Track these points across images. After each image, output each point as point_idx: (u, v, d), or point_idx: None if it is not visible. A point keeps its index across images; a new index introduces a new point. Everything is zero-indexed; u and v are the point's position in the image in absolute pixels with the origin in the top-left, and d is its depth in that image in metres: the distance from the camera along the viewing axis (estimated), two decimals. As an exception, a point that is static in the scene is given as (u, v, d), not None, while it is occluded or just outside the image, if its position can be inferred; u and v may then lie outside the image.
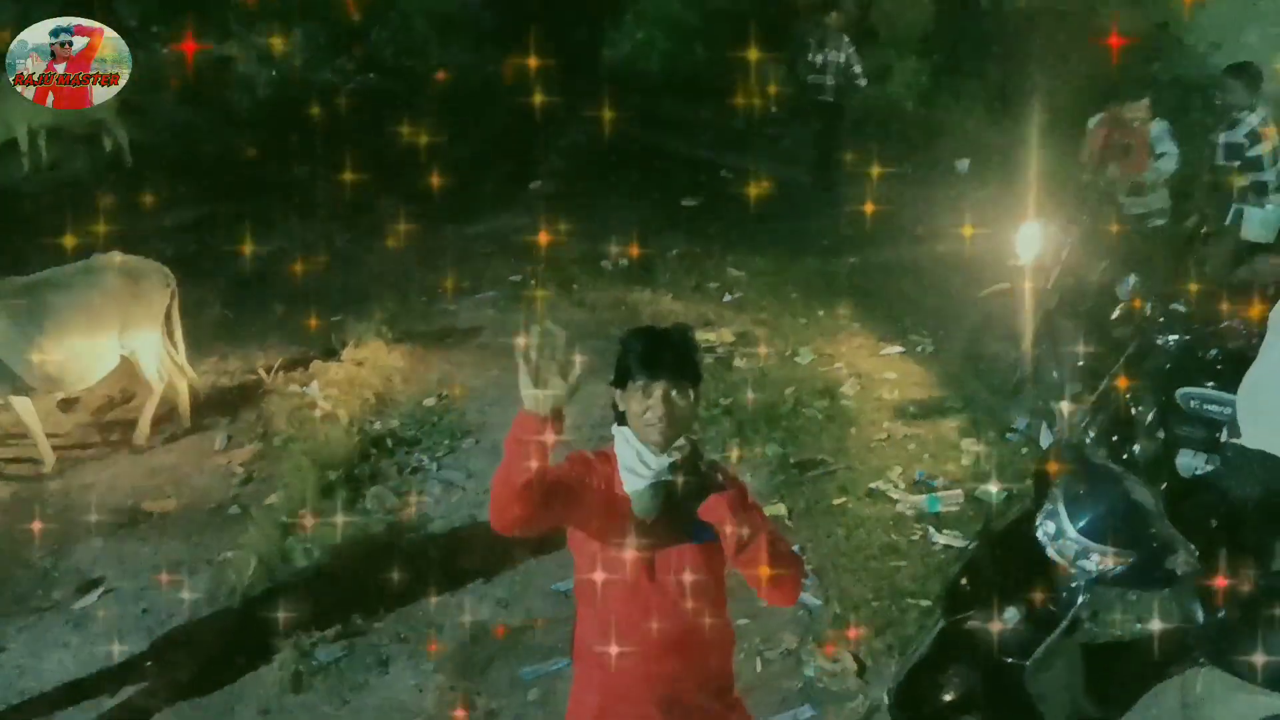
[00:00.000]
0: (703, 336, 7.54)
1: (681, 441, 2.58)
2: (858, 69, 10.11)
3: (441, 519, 5.62)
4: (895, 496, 5.66)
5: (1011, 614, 3.42)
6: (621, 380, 2.61)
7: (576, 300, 8.41)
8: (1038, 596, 3.44)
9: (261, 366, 7.20)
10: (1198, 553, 3.29)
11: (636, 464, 2.59)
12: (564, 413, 2.37)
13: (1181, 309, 4.99)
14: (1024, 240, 6.22)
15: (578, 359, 2.36)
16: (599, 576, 2.66)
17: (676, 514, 2.59)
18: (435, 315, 8.20)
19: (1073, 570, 3.37)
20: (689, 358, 2.63)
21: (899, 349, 7.53)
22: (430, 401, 6.88)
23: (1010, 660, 3.41)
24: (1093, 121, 7.20)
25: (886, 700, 3.74)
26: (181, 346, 6.54)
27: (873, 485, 5.76)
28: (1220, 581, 3.39)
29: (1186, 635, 3.41)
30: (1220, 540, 3.60)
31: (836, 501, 5.62)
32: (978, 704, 3.57)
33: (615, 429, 2.66)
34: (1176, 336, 4.96)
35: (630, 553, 2.60)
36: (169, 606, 4.98)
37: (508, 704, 4.37)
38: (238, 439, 6.46)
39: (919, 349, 7.53)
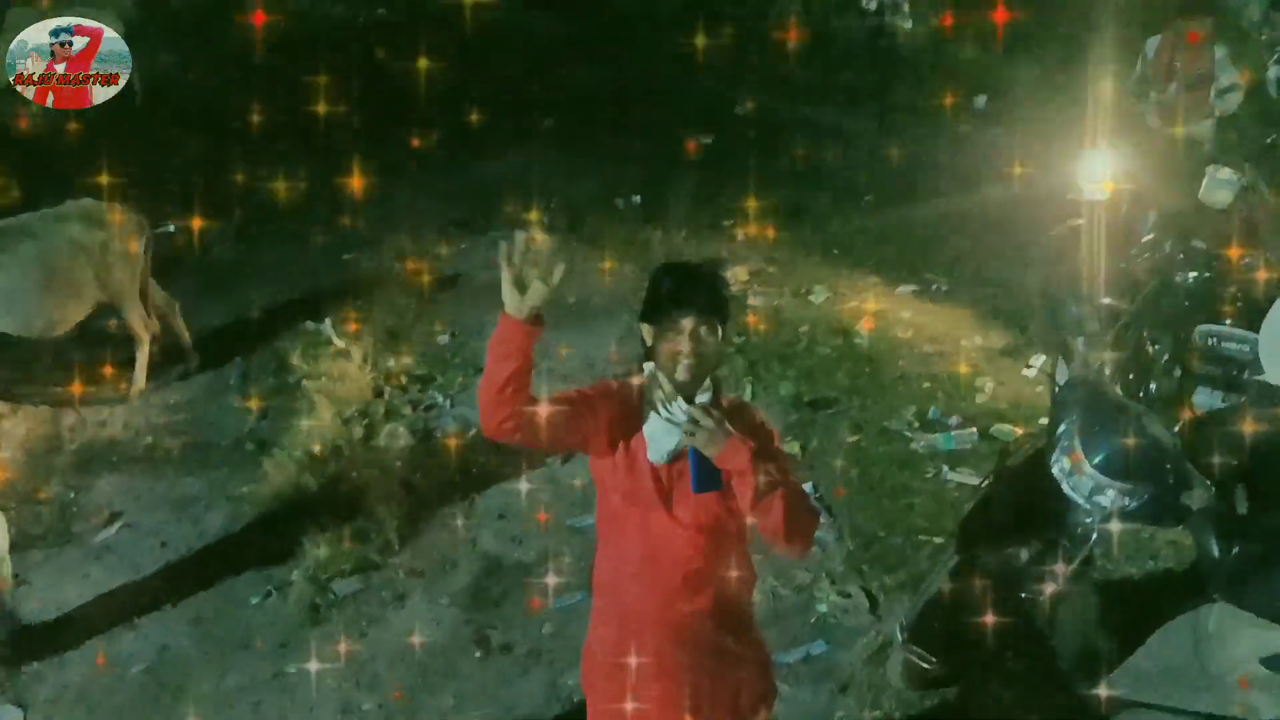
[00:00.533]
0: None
1: (707, 384, 2.56)
2: (906, 8, 10.06)
3: (455, 455, 5.64)
4: (909, 435, 5.65)
5: (1025, 550, 3.44)
6: (650, 315, 2.58)
7: (588, 238, 8.36)
8: (1052, 532, 3.45)
9: (273, 304, 7.20)
10: (1214, 489, 3.29)
11: (659, 398, 2.56)
12: (542, 317, 2.39)
13: (1202, 245, 4.92)
14: (1088, 170, 5.86)
15: (560, 265, 2.34)
16: (617, 509, 2.66)
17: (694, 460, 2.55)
18: (448, 253, 8.17)
19: (1087, 506, 3.37)
20: (719, 295, 2.59)
21: (914, 287, 7.49)
22: (444, 339, 6.88)
23: (1023, 596, 3.43)
24: (1152, 42, 6.99)
25: (899, 635, 3.77)
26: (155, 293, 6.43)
27: (886, 424, 5.76)
28: (1236, 518, 3.39)
29: (1200, 571, 3.41)
30: (1237, 476, 3.59)
31: (850, 440, 5.62)
32: (990, 640, 3.59)
33: (646, 366, 2.64)
34: (1196, 273, 4.90)
35: (648, 487, 2.59)
36: (187, 540, 5.03)
37: (522, 637, 4.41)
38: (252, 376, 6.47)
39: (934, 287, 7.48)
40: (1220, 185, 5.34)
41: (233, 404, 6.21)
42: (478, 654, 4.33)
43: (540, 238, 2.34)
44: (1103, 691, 3.51)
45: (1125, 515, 3.38)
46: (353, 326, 6.90)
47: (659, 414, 2.54)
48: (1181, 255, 5.01)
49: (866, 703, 3.98)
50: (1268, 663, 3.20)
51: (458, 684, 4.18)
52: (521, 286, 2.34)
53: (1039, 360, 6.11)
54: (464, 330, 6.96)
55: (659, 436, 2.56)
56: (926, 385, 6.16)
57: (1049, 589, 3.39)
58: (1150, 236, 5.25)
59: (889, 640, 4.19)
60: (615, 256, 7.87)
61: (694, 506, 2.60)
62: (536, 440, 2.52)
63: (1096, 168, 5.60)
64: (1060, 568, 3.40)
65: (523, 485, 5.35)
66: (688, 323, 2.51)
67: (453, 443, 5.74)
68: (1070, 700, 3.65)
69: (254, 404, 6.15)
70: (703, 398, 2.55)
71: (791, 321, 6.88)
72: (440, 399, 6.18)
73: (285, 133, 9.93)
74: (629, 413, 2.63)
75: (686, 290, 2.54)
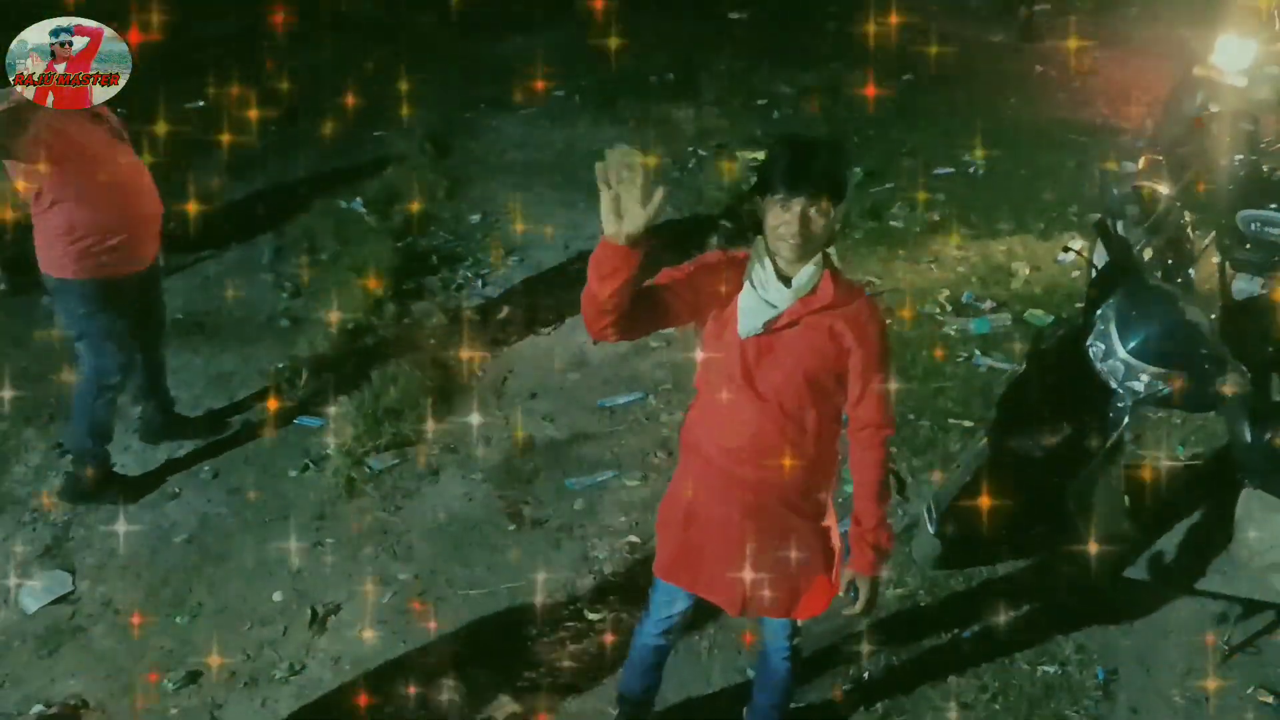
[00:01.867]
0: (750, 155, 7.42)
1: (813, 267, 2.53)
2: None
3: (487, 334, 5.67)
4: (941, 319, 5.63)
5: (1056, 433, 3.44)
6: (762, 189, 2.50)
7: (619, 116, 8.25)
8: (1084, 416, 3.44)
9: (305, 181, 7.17)
10: (1249, 375, 3.26)
11: (758, 274, 2.54)
12: (643, 239, 2.25)
13: (1249, 127, 4.78)
14: (1232, 55, 5.63)
15: (660, 189, 2.20)
16: (709, 372, 2.68)
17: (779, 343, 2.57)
18: (479, 131, 8.08)
19: (1120, 391, 3.36)
20: (835, 176, 2.48)
21: (950, 169, 7.37)
22: (475, 218, 6.86)
23: (1053, 480, 3.44)
24: None
25: (925, 516, 3.80)
26: None
27: (919, 307, 5.73)
28: (1270, 405, 3.37)
29: (1231, 457, 3.41)
30: (1272, 363, 3.56)
31: (882, 322, 5.59)
32: (1019, 522, 3.62)
33: (756, 240, 2.60)
34: (1241, 156, 4.77)
35: (734, 358, 2.59)
36: (225, 415, 5.11)
37: (554, 512, 4.50)
38: (285, 252, 6.49)
39: (971, 170, 7.36)
40: (1265, 79, 5.20)
41: (266, 280, 6.24)
42: (511, 527, 4.42)
43: (637, 158, 2.18)
44: (1130, 575, 3.55)
45: (1158, 400, 3.37)
46: (383, 204, 6.88)
47: (754, 290, 2.54)
48: (1228, 137, 4.88)
49: (891, 581, 4.05)
50: (1295, 548, 3.23)
51: (490, 556, 4.27)
52: (619, 211, 2.20)
53: (1075, 244, 6.04)
54: (494, 209, 6.93)
55: (750, 312, 2.54)
56: (961, 269, 6.11)
57: (1079, 473, 3.40)
58: (1194, 117, 5.13)
59: (915, 520, 4.24)
60: (646, 136, 7.78)
61: (777, 385, 2.59)
62: (639, 335, 2.54)
63: (1242, 55, 5.44)
64: (1091, 451, 3.41)
65: (554, 364, 5.40)
66: (797, 203, 2.43)
67: (484, 322, 5.77)
68: (1097, 584, 3.70)
69: (287, 281, 6.18)
70: (806, 273, 2.53)
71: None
72: (471, 278, 6.19)
73: (316, 7, 9.76)
74: (728, 282, 2.58)
75: (801, 170, 2.43)
